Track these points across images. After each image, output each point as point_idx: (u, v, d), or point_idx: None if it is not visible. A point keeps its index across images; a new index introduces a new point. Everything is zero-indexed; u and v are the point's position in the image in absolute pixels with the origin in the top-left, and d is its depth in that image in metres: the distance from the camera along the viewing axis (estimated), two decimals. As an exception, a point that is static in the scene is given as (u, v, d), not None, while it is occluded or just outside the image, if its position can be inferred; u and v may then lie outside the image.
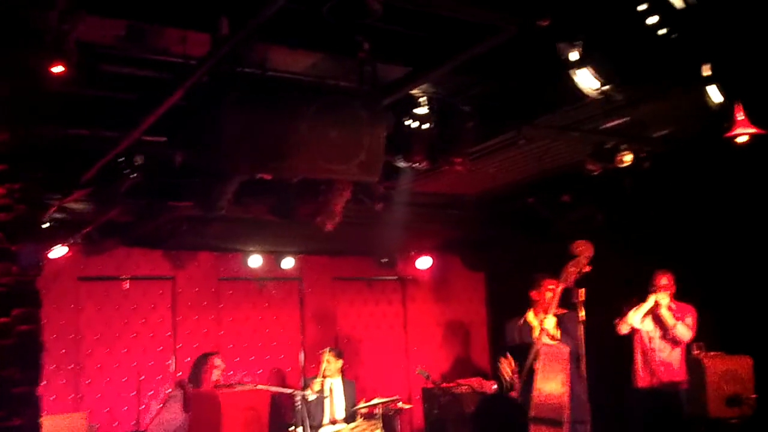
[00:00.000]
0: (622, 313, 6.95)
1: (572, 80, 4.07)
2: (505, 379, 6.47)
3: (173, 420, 6.76)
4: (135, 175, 5.20)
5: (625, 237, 7.61)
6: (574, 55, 4.04)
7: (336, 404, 7.86)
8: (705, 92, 4.38)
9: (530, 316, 6.62)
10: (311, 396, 7.55)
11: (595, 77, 4.07)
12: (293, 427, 7.36)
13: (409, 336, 10.24)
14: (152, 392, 8.33)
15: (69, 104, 4.54)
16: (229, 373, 7.75)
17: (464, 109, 4.98)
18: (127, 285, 8.36)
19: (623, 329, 6.95)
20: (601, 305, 6.35)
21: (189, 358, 8.40)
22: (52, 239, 7.18)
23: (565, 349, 6.15)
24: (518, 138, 5.37)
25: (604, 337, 6.77)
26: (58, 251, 7.45)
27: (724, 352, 6.09)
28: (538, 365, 6.11)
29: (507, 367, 6.47)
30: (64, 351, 7.94)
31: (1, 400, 3.51)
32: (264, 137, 4.10)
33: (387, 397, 7.85)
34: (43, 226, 6.33)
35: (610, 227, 7.29)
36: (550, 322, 6.25)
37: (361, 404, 7.72)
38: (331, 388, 7.87)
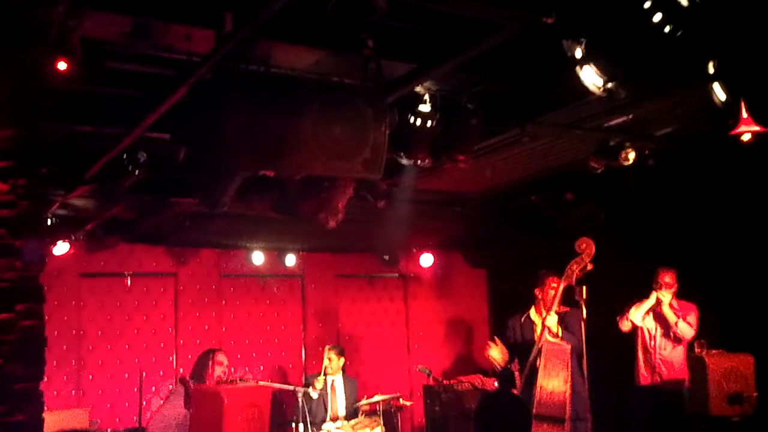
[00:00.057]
0: (623, 310, 6.95)
1: (576, 77, 4.07)
2: (495, 360, 6.52)
3: (175, 415, 6.76)
4: (138, 171, 5.20)
5: (628, 235, 7.61)
6: (578, 53, 4.04)
7: (337, 401, 7.87)
8: (709, 90, 4.38)
9: (532, 313, 6.62)
10: (314, 394, 7.56)
11: (599, 74, 4.07)
12: (295, 424, 7.37)
13: (410, 333, 10.25)
14: (154, 388, 8.34)
15: (73, 101, 4.54)
16: (230, 370, 7.74)
17: (468, 107, 4.97)
18: (128, 282, 8.38)
19: (624, 326, 6.96)
20: (604, 303, 6.35)
21: (190, 355, 8.41)
22: (55, 235, 7.19)
23: (567, 347, 6.15)
24: (522, 135, 5.36)
25: (607, 334, 6.78)
26: (62, 248, 7.46)
27: (726, 350, 6.10)
28: (541, 363, 6.11)
29: (495, 348, 6.52)
30: (65, 347, 7.95)
31: (4, 396, 3.51)
32: (267, 134, 4.10)
33: (388, 394, 7.86)
34: (46, 222, 6.33)
35: (613, 225, 7.29)
36: (552, 319, 6.25)
37: (363, 401, 7.72)
38: (332, 385, 7.89)
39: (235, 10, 3.64)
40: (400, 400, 7.88)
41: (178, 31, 3.88)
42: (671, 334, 6.76)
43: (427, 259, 9.84)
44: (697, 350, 6.14)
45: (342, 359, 8.00)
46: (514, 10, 3.48)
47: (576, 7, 3.83)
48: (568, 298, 6.16)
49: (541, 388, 6.05)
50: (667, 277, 6.74)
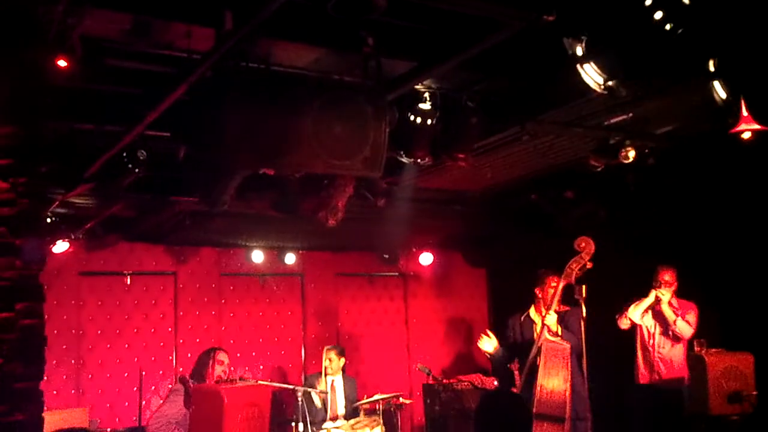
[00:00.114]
0: (622, 309, 6.96)
1: (577, 75, 4.07)
2: (487, 352, 6.56)
3: (175, 414, 6.75)
4: (138, 170, 5.19)
5: (628, 233, 7.61)
6: (578, 51, 4.04)
7: (337, 400, 7.87)
8: (710, 88, 4.38)
9: (532, 312, 6.62)
10: (317, 399, 7.57)
11: (600, 73, 4.07)
12: (294, 423, 7.36)
13: (410, 332, 10.25)
14: (153, 388, 8.34)
15: (73, 98, 4.54)
16: (230, 369, 7.74)
17: (468, 105, 4.96)
18: (128, 281, 8.38)
19: (623, 324, 6.96)
20: (604, 302, 6.36)
21: (190, 354, 8.41)
22: (55, 234, 7.18)
23: (567, 346, 6.15)
24: (522, 134, 5.35)
25: (606, 333, 6.78)
26: (61, 246, 7.45)
27: (725, 349, 6.11)
28: (540, 362, 6.11)
29: (486, 339, 6.56)
30: (65, 346, 7.95)
31: (4, 395, 3.49)
32: (267, 132, 4.09)
33: (388, 393, 7.86)
34: (46, 220, 6.32)
35: (614, 224, 7.29)
36: (552, 318, 6.25)
37: (363, 400, 7.72)
38: (332, 384, 7.89)
39: (236, 8, 3.63)
40: (400, 399, 7.87)
41: (178, 29, 3.88)
42: (670, 332, 6.76)
43: (427, 258, 9.84)
44: (696, 349, 6.15)
45: (342, 360, 8.00)
46: (515, 8, 3.48)
47: (577, 5, 3.83)
48: (568, 297, 6.16)
49: (541, 387, 6.05)
50: (667, 276, 6.74)
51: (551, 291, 6.33)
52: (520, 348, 6.53)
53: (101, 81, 4.40)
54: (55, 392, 7.66)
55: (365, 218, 7.17)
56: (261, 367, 9.11)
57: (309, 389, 7.51)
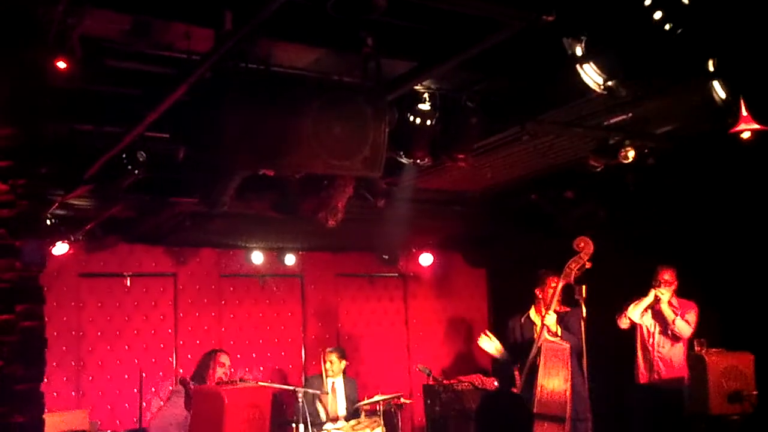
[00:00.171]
0: (622, 308, 6.95)
1: (577, 76, 4.07)
2: (489, 352, 6.57)
3: (176, 415, 6.76)
4: (138, 171, 5.19)
5: (627, 233, 7.61)
6: (578, 51, 4.04)
7: (338, 402, 7.87)
8: (709, 88, 4.38)
9: (533, 313, 6.62)
10: (325, 396, 7.61)
11: (600, 73, 4.07)
12: (295, 425, 7.36)
13: (410, 333, 10.24)
14: (154, 389, 8.32)
15: (73, 99, 4.53)
16: (231, 371, 7.74)
17: (468, 105, 4.96)
18: (128, 282, 8.37)
19: (623, 324, 6.96)
20: (604, 301, 6.36)
21: (190, 355, 8.41)
22: (55, 236, 7.17)
23: (566, 346, 6.16)
24: (522, 134, 5.35)
25: (606, 333, 6.78)
26: (61, 248, 7.44)
27: (726, 349, 6.10)
28: (540, 362, 6.11)
29: (486, 339, 6.56)
30: (65, 348, 7.93)
31: (4, 397, 3.49)
32: (267, 133, 4.09)
33: (388, 393, 7.85)
34: (46, 222, 6.32)
35: (613, 223, 7.29)
36: (551, 318, 6.26)
37: (363, 401, 7.72)
38: (333, 386, 7.89)
39: (235, 9, 3.63)
40: (401, 399, 7.87)
41: (178, 29, 3.88)
42: (669, 331, 6.76)
43: (426, 259, 9.83)
44: (696, 348, 6.14)
45: (343, 362, 8.00)
46: (515, 8, 3.48)
47: (576, 5, 3.83)
48: (569, 297, 6.16)
49: (541, 387, 6.05)
50: (667, 275, 6.74)
51: (551, 291, 6.33)
52: (520, 349, 6.53)
53: (101, 82, 4.40)
54: (55, 394, 7.65)
55: (365, 219, 7.16)
56: (261, 368, 9.10)
57: (309, 390, 7.50)
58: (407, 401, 8.01)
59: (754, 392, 5.89)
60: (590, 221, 7.07)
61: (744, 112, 4.32)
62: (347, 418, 7.73)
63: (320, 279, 9.68)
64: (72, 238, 7.47)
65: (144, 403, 7.70)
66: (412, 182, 6.49)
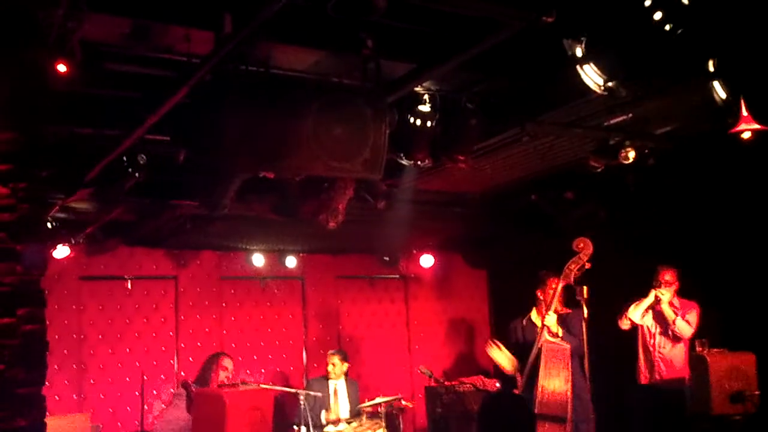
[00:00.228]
0: (623, 309, 6.95)
1: (577, 76, 4.07)
2: (501, 365, 6.54)
3: (179, 418, 6.75)
4: (138, 174, 5.19)
5: (628, 234, 7.61)
6: (578, 52, 4.03)
7: (340, 404, 7.87)
8: (709, 88, 4.38)
9: (534, 314, 6.62)
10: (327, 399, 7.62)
11: (600, 73, 4.06)
12: (296, 427, 7.36)
13: (411, 334, 10.24)
14: (155, 392, 8.32)
15: (73, 103, 4.53)
16: (233, 374, 7.73)
17: (467, 106, 4.96)
18: (129, 286, 8.37)
19: (624, 325, 6.95)
20: (604, 302, 6.35)
21: (192, 358, 8.41)
22: (55, 239, 7.17)
23: (567, 347, 6.15)
24: (522, 135, 5.36)
25: (607, 333, 6.78)
26: (62, 251, 7.44)
27: (728, 349, 6.08)
28: (541, 363, 6.11)
29: (496, 349, 6.55)
30: (66, 351, 7.93)
31: (5, 401, 3.48)
32: (267, 135, 4.09)
33: (390, 395, 7.85)
34: (47, 225, 6.32)
35: (614, 224, 7.29)
36: (551, 319, 6.26)
37: (365, 403, 7.72)
38: (335, 388, 7.89)
39: (235, 12, 3.63)
40: (402, 401, 7.87)
41: (178, 32, 3.88)
42: (670, 332, 6.76)
43: (427, 260, 9.83)
44: (698, 349, 6.13)
45: (346, 364, 8.01)
46: (515, 8, 3.48)
47: (576, 5, 3.83)
48: (570, 298, 6.16)
49: (542, 388, 6.05)
50: (668, 275, 6.74)
51: (551, 292, 6.33)
52: (523, 351, 6.52)
53: (101, 85, 4.40)
54: (57, 397, 7.66)
55: (365, 221, 7.16)
56: (262, 370, 9.10)
57: (311, 393, 7.50)
58: (408, 404, 8.00)
59: (757, 392, 5.88)
60: (591, 222, 7.07)
61: (744, 112, 4.32)
62: (349, 420, 7.72)
63: (321, 281, 9.68)
64: (73, 241, 7.47)
65: (146, 406, 7.69)
66: (413, 184, 6.49)
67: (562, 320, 6.34)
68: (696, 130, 5.30)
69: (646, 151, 5.59)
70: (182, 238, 7.90)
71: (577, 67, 4.06)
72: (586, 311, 5.98)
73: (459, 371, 9.76)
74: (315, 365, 9.18)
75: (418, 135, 4.97)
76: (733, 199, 6.65)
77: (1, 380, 3.42)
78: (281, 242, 8.96)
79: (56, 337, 7.67)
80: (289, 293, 9.49)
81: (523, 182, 7.03)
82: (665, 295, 6.72)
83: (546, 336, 6.22)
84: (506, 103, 5.13)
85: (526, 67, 4.56)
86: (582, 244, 6.12)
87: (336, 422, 7.73)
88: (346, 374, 8.07)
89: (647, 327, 6.90)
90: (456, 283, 10.51)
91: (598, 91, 4.13)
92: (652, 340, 6.87)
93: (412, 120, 4.90)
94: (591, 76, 4.05)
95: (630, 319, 6.89)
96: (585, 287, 5.99)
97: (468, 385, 8.48)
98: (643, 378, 6.90)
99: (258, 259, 8.95)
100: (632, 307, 6.88)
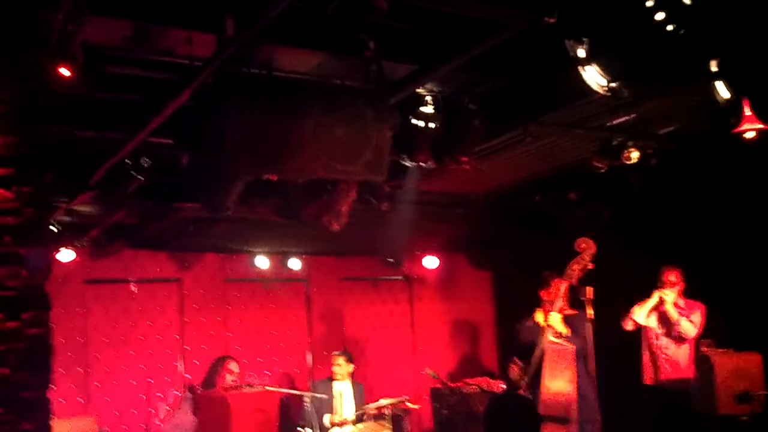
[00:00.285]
0: (628, 310, 6.94)
1: (579, 77, 4.06)
2: (513, 380, 6.53)
3: (187, 422, 6.76)
4: (141, 177, 5.20)
5: (631, 234, 7.60)
6: (581, 52, 4.03)
7: (345, 406, 7.87)
8: (712, 88, 4.37)
9: (538, 315, 6.61)
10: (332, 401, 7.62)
11: (602, 74, 4.06)
12: (302, 429, 7.36)
13: (416, 335, 10.23)
14: (161, 395, 8.33)
15: (75, 106, 4.54)
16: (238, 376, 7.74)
17: (470, 107, 4.96)
18: (134, 288, 8.37)
19: (628, 325, 6.94)
20: (608, 302, 6.34)
21: (197, 361, 8.41)
22: (59, 242, 7.19)
23: (571, 347, 6.15)
24: (525, 135, 5.35)
25: (612, 333, 6.76)
26: (66, 255, 7.46)
27: (734, 349, 6.07)
28: (545, 363, 6.11)
29: (515, 369, 6.54)
30: (71, 354, 7.94)
31: (11, 405, 3.49)
32: (269, 138, 4.09)
33: (395, 397, 7.85)
34: (51, 229, 6.33)
35: (617, 224, 7.28)
36: (555, 318, 6.25)
37: (371, 405, 7.71)
38: (340, 390, 7.89)
39: (236, 14, 3.63)
40: (408, 403, 7.86)
41: (179, 35, 3.88)
42: (674, 333, 6.74)
43: (431, 261, 9.83)
44: (704, 349, 6.12)
45: (351, 366, 8.01)
46: (517, 9, 3.47)
47: (578, 6, 3.82)
48: (575, 298, 6.16)
49: (546, 388, 6.04)
50: (672, 276, 6.73)
51: (555, 293, 6.33)
52: (529, 351, 6.51)
53: (103, 88, 4.40)
54: (62, 400, 7.66)
55: (369, 222, 7.15)
56: (267, 372, 9.10)
57: (317, 395, 7.51)
58: (414, 407, 7.99)
59: (763, 392, 5.86)
60: (594, 222, 7.06)
61: (747, 112, 4.31)
62: (355, 422, 7.72)
63: (325, 283, 9.68)
64: (77, 245, 7.48)
65: (152, 409, 7.70)
66: (416, 185, 6.48)
67: (566, 321, 6.33)
68: (699, 130, 5.30)
69: (649, 151, 5.58)
70: (185, 240, 7.91)
71: (580, 68, 4.06)
72: (591, 312, 5.97)
73: (463, 372, 9.76)
74: (320, 367, 9.18)
75: (420, 136, 4.97)
76: (736, 199, 6.64)
77: (7, 384, 3.43)
78: (285, 244, 8.96)
79: (61, 340, 7.69)
80: (293, 295, 9.49)
81: (526, 183, 7.03)
82: (669, 295, 6.71)
83: (550, 337, 6.22)
84: (509, 104, 5.13)
85: (528, 67, 4.56)
86: (584, 245, 6.11)
87: (341, 424, 7.72)
88: (352, 376, 8.06)
89: (652, 328, 6.89)
90: (460, 285, 10.50)
91: (601, 91, 4.13)
92: (656, 341, 6.85)
93: (414, 121, 4.90)
94: (594, 76, 4.05)
95: (634, 321, 6.88)
96: (590, 288, 5.98)
97: (473, 387, 8.47)
98: (648, 378, 6.89)
99: (262, 262, 8.95)
100: (636, 308, 6.88)
